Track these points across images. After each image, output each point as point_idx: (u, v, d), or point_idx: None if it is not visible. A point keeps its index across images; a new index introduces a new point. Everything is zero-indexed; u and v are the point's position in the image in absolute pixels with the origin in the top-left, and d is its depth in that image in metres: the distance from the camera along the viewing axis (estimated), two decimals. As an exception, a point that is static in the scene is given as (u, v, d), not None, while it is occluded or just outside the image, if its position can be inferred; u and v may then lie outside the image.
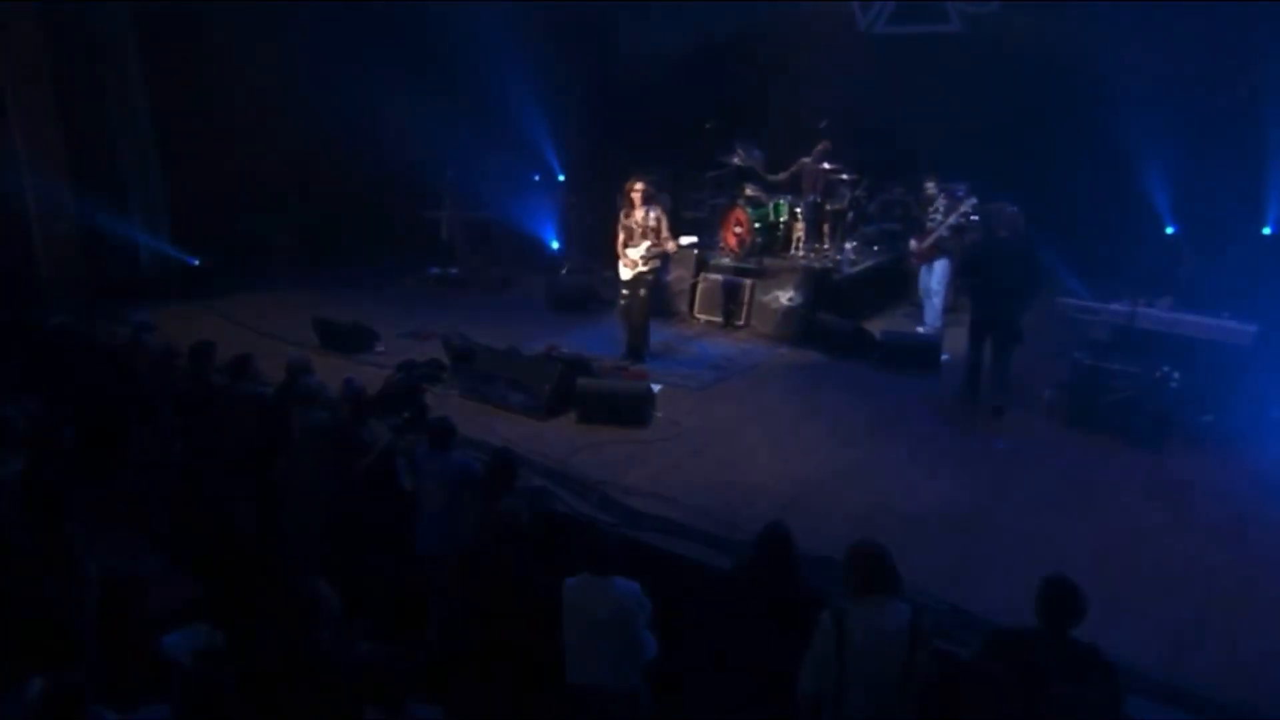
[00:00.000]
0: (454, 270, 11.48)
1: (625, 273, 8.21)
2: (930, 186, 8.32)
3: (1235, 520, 5.49)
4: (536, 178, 12.51)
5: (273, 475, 6.08)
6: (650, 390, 7.13)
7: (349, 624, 4.03)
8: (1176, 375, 6.46)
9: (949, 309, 8.77)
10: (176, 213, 10.95)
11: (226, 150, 10.90)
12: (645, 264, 8.09)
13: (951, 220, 7.84)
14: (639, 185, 8.01)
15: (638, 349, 8.39)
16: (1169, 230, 8.28)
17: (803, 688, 3.56)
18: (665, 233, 8.07)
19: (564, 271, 11.31)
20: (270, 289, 11.06)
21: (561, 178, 12.59)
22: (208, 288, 10.77)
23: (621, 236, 8.15)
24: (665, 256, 8.53)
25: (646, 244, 8.01)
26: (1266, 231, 7.72)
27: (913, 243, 8.72)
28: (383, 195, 11.79)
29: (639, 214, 8.00)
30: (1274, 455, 6.02)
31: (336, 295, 10.49)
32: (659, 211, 8.06)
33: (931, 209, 8.36)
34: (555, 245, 12.13)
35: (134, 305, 9.86)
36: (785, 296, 9.05)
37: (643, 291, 8.20)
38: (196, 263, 11.03)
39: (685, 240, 8.93)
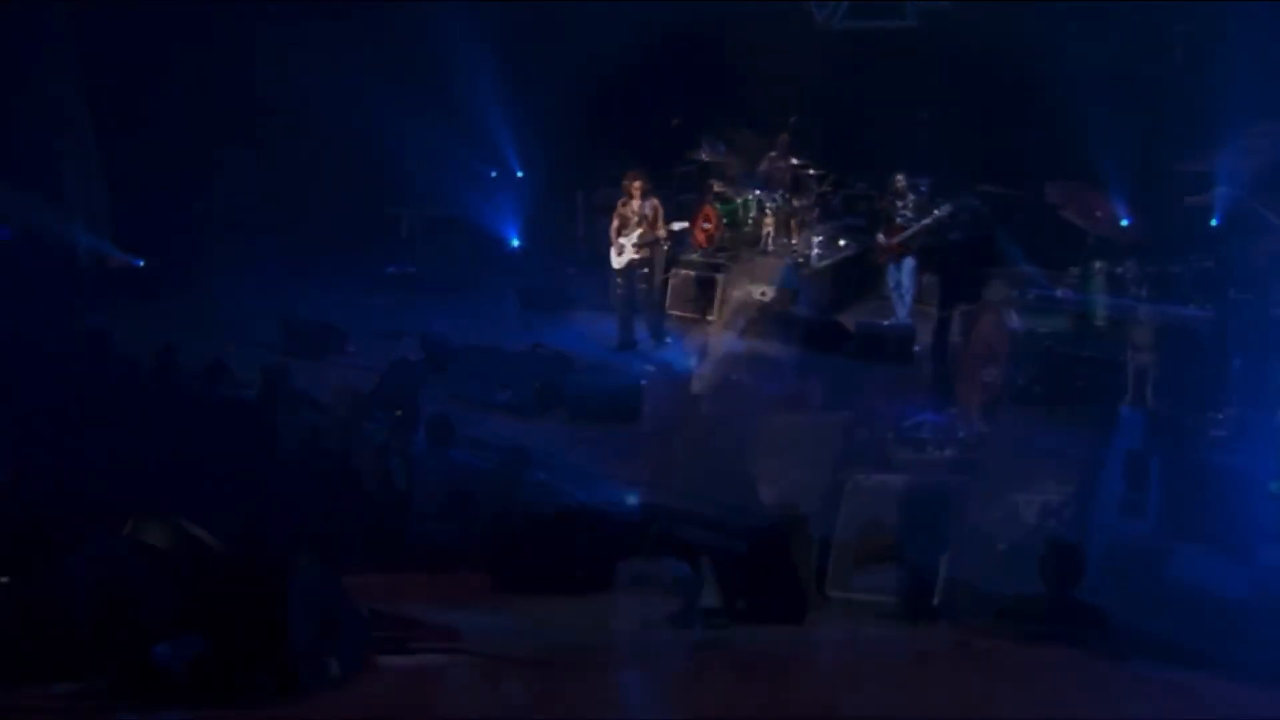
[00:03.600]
0: (413, 268, 11.26)
1: (617, 260, 8.45)
2: (900, 180, 8.50)
3: (1198, 494, 5.78)
4: (494, 174, 12.39)
5: (261, 479, 5.94)
6: (639, 385, 7.18)
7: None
8: (1136, 362, 6.80)
9: (916, 301, 9.01)
10: (118, 211, 10.51)
11: (173, 148, 10.47)
12: (637, 251, 8.37)
13: (925, 222, 8.12)
14: (638, 181, 8.37)
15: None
16: (1123, 223, 8.72)
17: None
18: (659, 222, 8.47)
19: (525, 270, 11.24)
20: (221, 289, 10.67)
21: (520, 174, 12.50)
22: (154, 287, 10.35)
23: (616, 223, 8.43)
24: (659, 244, 8.86)
25: (639, 231, 8.29)
26: (1214, 223, 8.20)
27: (880, 237, 8.90)
28: (339, 192, 11.50)
29: (635, 203, 8.30)
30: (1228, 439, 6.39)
31: (292, 295, 10.16)
32: (655, 203, 8.43)
33: (902, 204, 8.54)
34: (515, 243, 12.03)
35: (78, 307, 9.40)
36: (757, 291, 9.19)
37: (643, 285, 8.53)
38: (141, 264, 10.58)
39: (676, 225, 9.23)
